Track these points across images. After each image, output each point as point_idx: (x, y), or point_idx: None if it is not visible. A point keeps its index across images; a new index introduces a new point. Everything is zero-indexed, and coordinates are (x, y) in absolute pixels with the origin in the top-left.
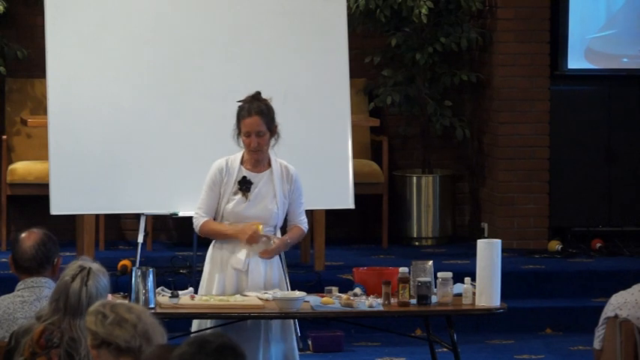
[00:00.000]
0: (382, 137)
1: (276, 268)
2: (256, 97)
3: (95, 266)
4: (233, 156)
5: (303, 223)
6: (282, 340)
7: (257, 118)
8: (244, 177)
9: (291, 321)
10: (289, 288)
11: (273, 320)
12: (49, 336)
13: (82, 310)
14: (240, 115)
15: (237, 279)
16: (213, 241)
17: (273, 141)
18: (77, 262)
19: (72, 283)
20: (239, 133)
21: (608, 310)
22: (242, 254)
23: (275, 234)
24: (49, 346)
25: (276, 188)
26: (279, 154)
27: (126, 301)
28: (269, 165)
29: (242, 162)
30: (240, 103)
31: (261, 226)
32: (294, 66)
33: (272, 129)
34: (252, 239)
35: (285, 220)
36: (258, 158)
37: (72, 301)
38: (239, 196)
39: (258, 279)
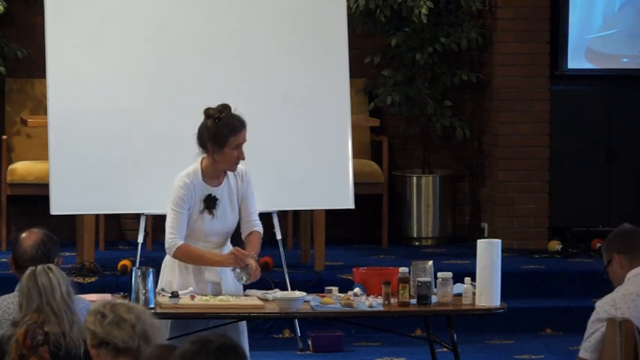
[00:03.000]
0: (382, 137)
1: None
2: (230, 109)
3: (50, 264)
4: (191, 171)
5: (259, 226)
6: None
7: (245, 131)
8: (209, 195)
9: (245, 329)
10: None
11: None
12: (33, 335)
13: (56, 287)
14: (231, 130)
15: (213, 290)
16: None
17: None
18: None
19: (35, 271)
20: (221, 147)
21: (601, 312)
22: (215, 269)
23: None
24: (35, 345)
25: (234, 196)
26: (279, 154)
27: (126, 301)
28: (225, 173)
29: (203, 177)
30: (215, 118)
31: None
32: (294, 66)
33: None
34: (241, 262)
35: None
36: (236, 169)
37: (44, 284)
38: (206, 214)
39: (230, 286)
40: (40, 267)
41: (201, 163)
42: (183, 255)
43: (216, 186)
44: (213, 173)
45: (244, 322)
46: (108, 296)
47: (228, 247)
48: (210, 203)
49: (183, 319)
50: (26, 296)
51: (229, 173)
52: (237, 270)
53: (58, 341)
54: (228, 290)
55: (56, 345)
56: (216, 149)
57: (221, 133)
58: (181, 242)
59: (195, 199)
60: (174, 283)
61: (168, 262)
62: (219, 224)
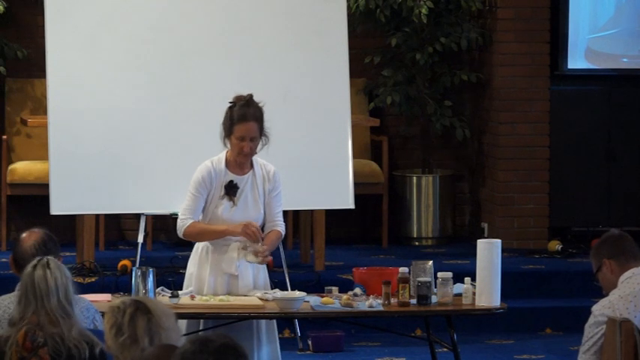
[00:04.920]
0: (382, 137)
1: (262, 270)
2: (250, 101)
3: (51, 258)
4: (216, 158)
5: (281, 226)
6: (269, 341)
7: (253, 124)
8: (231, 181)
9: (274, 322)
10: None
11: (261, 322)
12: (33, 336)
13: (52, 291)
14: (236, 119)
15: (229, 282)
16: (199, 245)
17: (260, 145)
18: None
19: (34, 272)
20: (228, 135)
21: (599, 315)
22: (233, 258)
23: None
24: (35, 346)
25: (259, 190)
26: (279, 154)
27: (151, 307)
28: (251, 166)
29: (226, 164)
30: (231, 104)
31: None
32: (294, 66)
33: (263, 134)
34: (249, 230)
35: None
36: (246, 161)
37: (41, 287)
38: (226, 200)
39: (248, 281)
40: (39, 264)
41: (227, 152)
42: (193, 231)
43: (239, 175)
44: (235, 162)
45: (273, 323)
46: (108, 296)
47: None
48: (230, 190)
49: (183, 319)
50: (24, 297)
51: (257, 169)
52: (249, 249)
53: (57, 345)
54: (244, 283)
55: (56, 349)
56: (226, 136)
57: (230, 119)
58: (190, 221)
59: (215, 185)
60: (194, 275)
61: (191, 256)
62: (239, 214)
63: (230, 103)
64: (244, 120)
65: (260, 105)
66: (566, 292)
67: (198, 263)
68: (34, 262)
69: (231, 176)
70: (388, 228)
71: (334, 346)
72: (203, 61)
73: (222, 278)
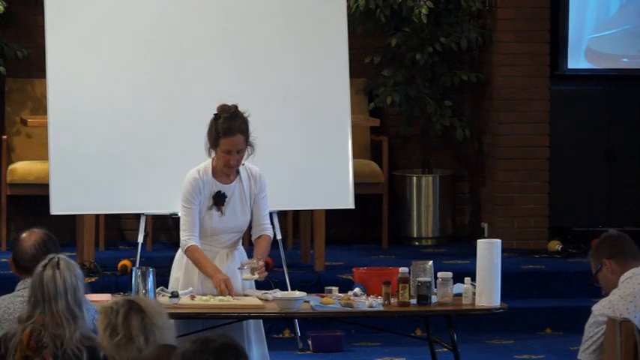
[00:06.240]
0: (382, 137)
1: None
2: (235, 112)
3: (62, 256)
4: (202, 167)
5: (269, 230)
6: (258, 342)
7: (239, 137)
8: (219, 191)
9: (261, 322)
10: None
11: (250, 322)
12: (38, 337)
13: (61, 293)
14: (222, 132)
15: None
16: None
17: (246, 155)
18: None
19: (44, 272)
20: (214, 147)
21: (599, 315)
22: (223, 263)
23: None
24: (39, 347)
25: (245, 195)
26: (279, 154)
27: (144, 305)
28: (237, 172)
29: (213, 174)
30: (216, 115)
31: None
32: (294, 66)
33: (248, 144)
34: (221, 288)
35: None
36: (232, 173)
37: (49, 288)
38: (214, 210)
39: (237, 286)
40: (49, 264)
41: (213, 160)
42: (189, 256)
43: (226, 184)
44: (221, 172)
45: (260, 324)
46: (108, 296)
47: (240, 251)
48: (218, 200)
49: (183, 319)
50: (33, 297)
51: (243, 173)
52: (245, 267)
53: (57, 348)
54: (234, 288)
55: (55, 351)
56: (212, 147)
57: (215, 132)
58: (192, 243)
59: (204, 195)
60: (181, 280)
61: (177, 259)
62: (227, 222)
63: (214, 114)
64: (230, 134)
65: (245, 115)
66: (566, 292)
67: (185, 268)
68: (45, 261)
69: (218, 186)
70: (388, 228)
71: (334, 346)
72: (203, 61)
73: (210, 282)
